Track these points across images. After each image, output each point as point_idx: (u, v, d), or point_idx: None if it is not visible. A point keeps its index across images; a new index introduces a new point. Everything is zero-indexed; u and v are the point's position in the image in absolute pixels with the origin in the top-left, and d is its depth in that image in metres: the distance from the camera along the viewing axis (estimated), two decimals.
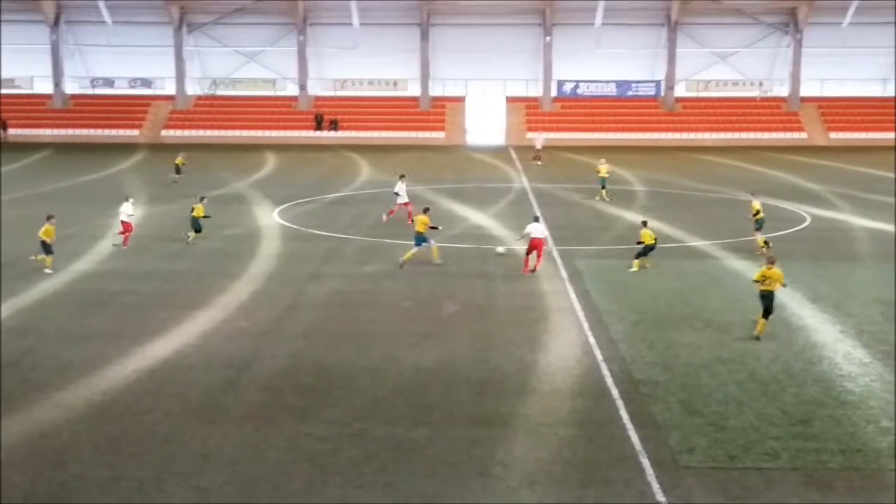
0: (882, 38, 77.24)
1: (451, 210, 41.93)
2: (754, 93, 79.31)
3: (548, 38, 77.46)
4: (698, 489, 14.25)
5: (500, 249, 32.31)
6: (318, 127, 77.66)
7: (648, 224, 30.64)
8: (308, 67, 79.68)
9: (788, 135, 75.08)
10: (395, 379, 19.14)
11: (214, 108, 79.56)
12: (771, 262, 22.50)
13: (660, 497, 13.99)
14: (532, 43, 78.85)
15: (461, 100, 79.91)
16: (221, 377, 19.11)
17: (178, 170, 50.48)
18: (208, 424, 16.68)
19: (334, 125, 77.65)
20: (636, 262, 29.44)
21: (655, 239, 29.64)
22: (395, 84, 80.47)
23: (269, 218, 39.71)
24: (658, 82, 78.85)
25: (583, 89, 79.46)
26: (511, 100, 79.48)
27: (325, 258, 31.54)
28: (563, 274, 28.87)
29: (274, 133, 76.72)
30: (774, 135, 74.86)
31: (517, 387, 18.66)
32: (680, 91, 79.04)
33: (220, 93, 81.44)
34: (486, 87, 79.78)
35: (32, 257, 29.35)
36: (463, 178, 53.70)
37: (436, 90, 79.57)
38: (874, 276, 29.19)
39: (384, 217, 38.22)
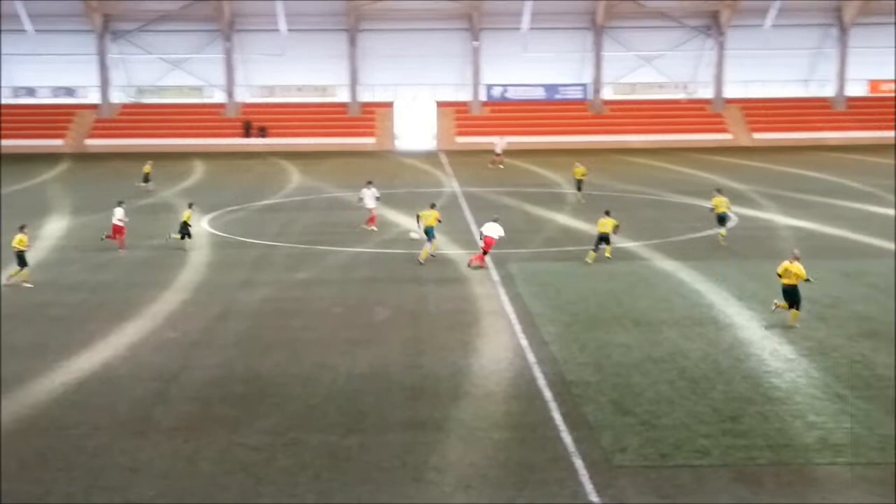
0: (802, 39, 78.88)
1: (381, 216, 41.81)
2: (680, 95, 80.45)
3: (476, 43, 77.77)
4: (631, 488, 14.38)
5: (413, 235, 32.86)
6: (247, 134, 77.03)
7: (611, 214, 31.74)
8: (235, 74, 79.01)
9: (714, 136, 76.25)
10: (328, 386, 19.03)
11: (140, 117, 78.49)
12: (796, 258, 23.46)
13: (593, 497, 14.09)
14: (460, 48, 79.13)
15: (390, 105, 79.87)
16: (151, 389, 18.83)
17: (146, 178, 50.36)
18: (138, 437, 16.42)
19: (263, 132, 77.08)
20: (592, 253, 30.87)
21: (616, 227, 31.11)
22: (324, 90, 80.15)
23: (198, 226, 39.25)
24: (585, 85, 79.61)
25: (512, 93, 79.90)
26: (441, 105, 79.63)
27: (255, 266, 31.28)
28: (496, 277, 28.97)
29: (201, 141, 75.88)
30: (700, 136, 75.97)
31: (450, 391, 18.66)
32: (607, 94, 79.89)
33: (145, 101, 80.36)
34: (415, 93, 79.85)
35: (5, 278, 28.43)
36: (393, 184, 53.64)
37: (365, 96, 79.42)
38: None
39: (366, 225, 37.91)
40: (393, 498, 14.16)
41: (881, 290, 26.97)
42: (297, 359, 20.78)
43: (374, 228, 37.83)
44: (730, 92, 79.09)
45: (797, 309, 23.18)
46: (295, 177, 58.35)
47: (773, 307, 23.56)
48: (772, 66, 79.57)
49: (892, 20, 76.85)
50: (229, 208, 44.31)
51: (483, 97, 79.59)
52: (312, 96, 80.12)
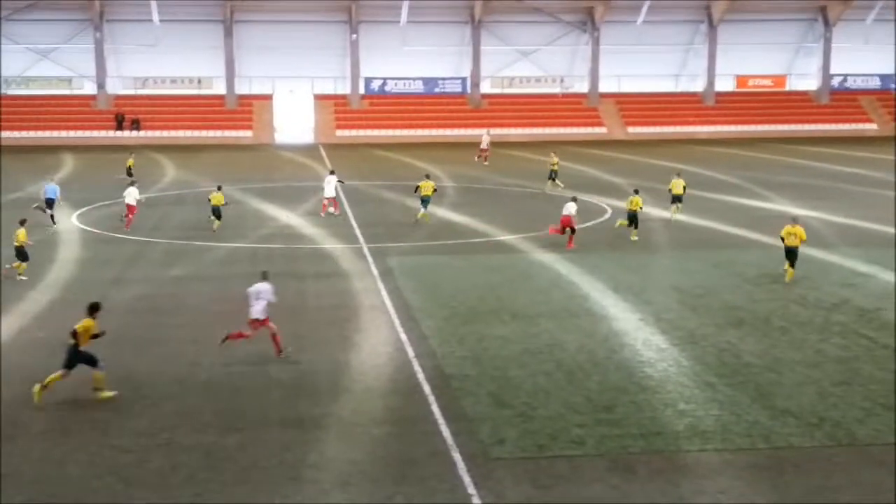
0: (673, 35, 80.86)
1: (260, 210, 41.36)
2: (556, 89, 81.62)
3: (354, 36, 77.43)
4: (508, 480, 14.54)
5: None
6: (119, 127, 75.13)
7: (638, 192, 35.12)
8: (107, 65, 76.92)
9: (589, 129, 77.61)
10: (205, 385, 18.74)
11: (6, 109, 75.67)
12: (795, 221, 27.76)
13: (471, 490, 14.20)
14: (339, 40, 78.67)
15: (268, 98, 78.94)
16: (19, 392, 18.21)
17: (129, 171, 48.92)
18: (6, 442, 15.88)
19: (136, 125, 75.29)
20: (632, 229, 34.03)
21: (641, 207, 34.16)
22: (200, 82, 78.71)
23: (68, 222, 38.14)
24: (464, 79, 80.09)
25: (391, 87, 79.86)
26: (319, 97, 79.08)
27: (128, 262, 30.55)
28: (375, 271, 28.93)
29: (72, 133, 73.72)
30: (576, 129, 77.22)
31: (329, 387, 18.57)
32: (485, 88, 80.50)
33: (11, 92, 77.54)
34: (293, 85, 79.07)
35: (7, 265, 28.28)
36: (272, 178, 53.05)
37: (242, 88, 78.29)
38: (671, 264, 30.57)
39: (323, 213, 39.37)
40: (270, 497, 14.01)
41: (748, 279, 27.88)
42: (173, 357, 20.40)
43: (334, 212, 39.22)
44: (605, 86, 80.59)
45: (793, 267, 27.24)
46: (170, 171, 57.18)
47: None
48: (644, 62, 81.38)
49: (760, 17, 79.44)
50: (101, 203, 43.16)
51: (362, 90, 79.33)
52: (187, 88, 78.60)
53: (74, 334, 17.85)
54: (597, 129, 77.93)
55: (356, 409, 17.43)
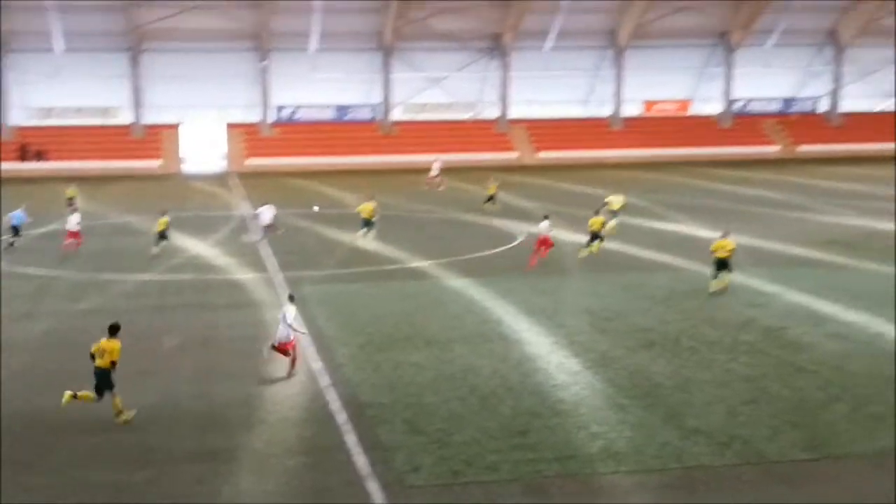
0: (581, 61, 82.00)
1: (169, 241, 40.74)
2: (467, 115, 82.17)
3: (264, 63, 77.03)
4: None
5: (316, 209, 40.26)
6: (23, 158, 73.42)
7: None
8: (9, 96, 75.20)
9: (500, 154, 78.20)
10: (115, 420, 18.35)
11: None
12: (725, 234, 30.07)
13: None
14: (249, 68, 78.10)
15: (176, 127, 77.96)
16: None
17: (70, 201, 48.32)
18: None
19: (40, 156, 73.68)
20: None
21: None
22: (106, 112, 77.35)
23: None
24: (375, 106, 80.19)
25: (302, 114, 79.52)
26: (230, 126, 78.36)
27: (35, 297, 29.84)
28: None
29: None
30: (487, 155, 77.77)
31: (242, 419, 18.37)
32: (397, 114, 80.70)
33: None
34: (203, 114, 78.24)
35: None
36: (182, 207, 52.37)
37: (150, 118, 77.18)
38: (582, 287, 30.93)
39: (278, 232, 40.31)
40: None
41: (658, 301, 28.37)
42: None
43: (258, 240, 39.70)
44: (515, 112, 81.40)
45: (729, 274, 29.43)
46: (76, 202, 55.99)
47: None
48: (553, 87, 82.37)
49: (664, 43, 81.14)
50: (4, 237, 42.09)
51: (273, 118, 78.88)
52: (93, 118, 77.18)
53: (113, 362, 18.18)
54: (508, 154, 78.59)
55: (270, 440, 17.27)
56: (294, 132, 78.22)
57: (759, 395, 19.66)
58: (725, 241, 29.84)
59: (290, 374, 21.00)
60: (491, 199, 50.11)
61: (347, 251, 37.81)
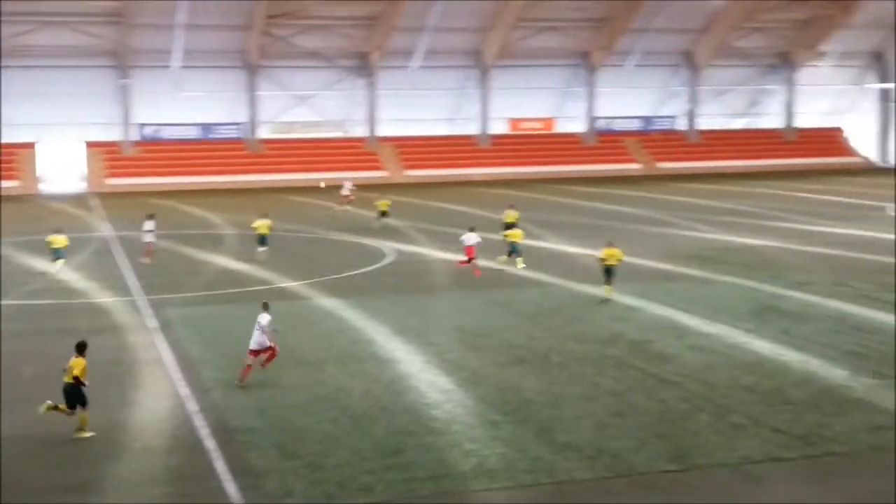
0: (447, 80, 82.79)
1: (25, 264, 39.34)
2: (335, 133, 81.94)
3: (124, 81, 75.26)
4: None
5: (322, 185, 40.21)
6: None
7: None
8: None
9: (369, 173, 78.21)
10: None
11: None
12: (611, 244, 31.59)
13: None
14: (109, 86, 76.20)
15: (33, 146, 75.40)
16: None
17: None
18: None
19: None
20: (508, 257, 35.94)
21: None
22: None
23: None
24: (242, 124, 79.22)
25: (166, 133, 77.96)
26: (90, 145, 76.22)
27: None
28: (152, 324, 28.01)
29: None
30: (357, 173, 77.57)
31: (106, 448, 17.77)
32: (264, 133, 79.90)
33: None
34: (62, 132, 75.84)
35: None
36: (39, 230, 50.53)
37: (5, 136, 74.43)
38: (452, 305, 31.06)
39: (144, 259, 39.11)
40: None
41: (527, 317, 28.71)
42: None
43: (147, 261, 38.90)
44: (383, 130, 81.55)
45: (610, 284, 30.87)
46: None
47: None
48: (421, 106, 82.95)
49: (528, 62, 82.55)
50: None
51: (135, 137, 77.09)
52: None
53: (76, 378, 18.42)
54: (377, 173, 78.65)
55: (136, 470, 16.75)
56: (158, 151, 76.67)
57: (625, 408, 20.05)
58: (613, 250, 31.23)
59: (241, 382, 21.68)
60: (384, 214, 50.53)
61: (214, 272, 37.14)
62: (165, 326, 27.69)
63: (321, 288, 33.61)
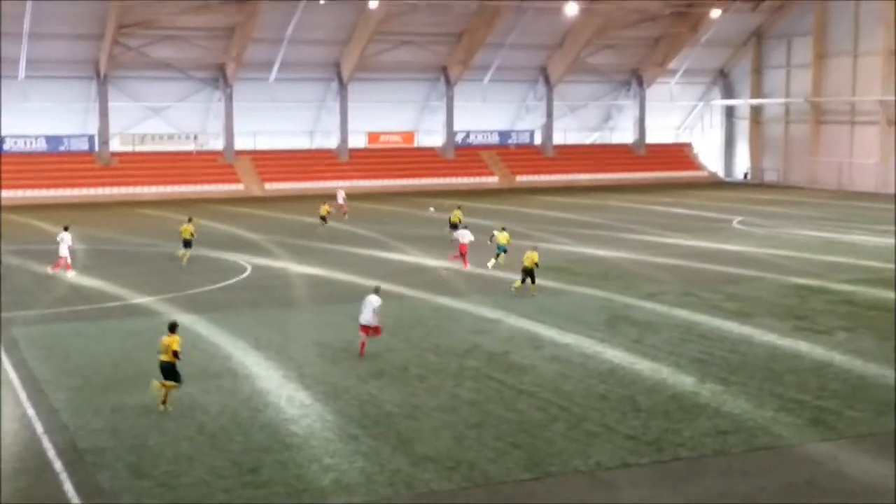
0: (306, 93, 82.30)
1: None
2: (190, 146, 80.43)
3: None
4: None
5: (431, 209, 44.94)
6: None
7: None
8: None
9: (226, 186, 77.05)
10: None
11: None
12: (535, 248, 35.05)
13: None
14: None
15: None
16: None
17: None
18: None
19: None
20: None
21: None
22: None
23: None
24: (92, 136, 76.94)
25: (11, 145, 75.02)
26: None
27: None
28: None
29: None
30: (213, 187, 76.43)
31: None
32: (115, 145, 77.79)
33: None
34: None
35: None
36: None
37: None
38: (312, 319, 30.91)
39: (50, 270, 38.42)
40: None
41: (387, 330, 28.63)
42: None
43: (54, 273, 38.20)
44: (240, 143, 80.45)
45: (533, 283, 33.91)
46: None
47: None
48: (279, 119, 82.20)
49: (387, 76, 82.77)
50: None
51: None
52: None
53: (174, 353, 20.84)
54: (234, 186, 77.53)
55: None
56: (3, 164, 73.69)
57: (484, 418, 20.29)
58: (532, 253, 34.15)
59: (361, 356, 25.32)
60: (323, 219, 53.22)
61: (64, 289, 35.95)
62: (11, 346, 26.65)
63: (177, 303, 32.91)
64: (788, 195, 75.40)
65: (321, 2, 71.52)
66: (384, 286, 36.11)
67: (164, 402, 20.66)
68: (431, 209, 54.72)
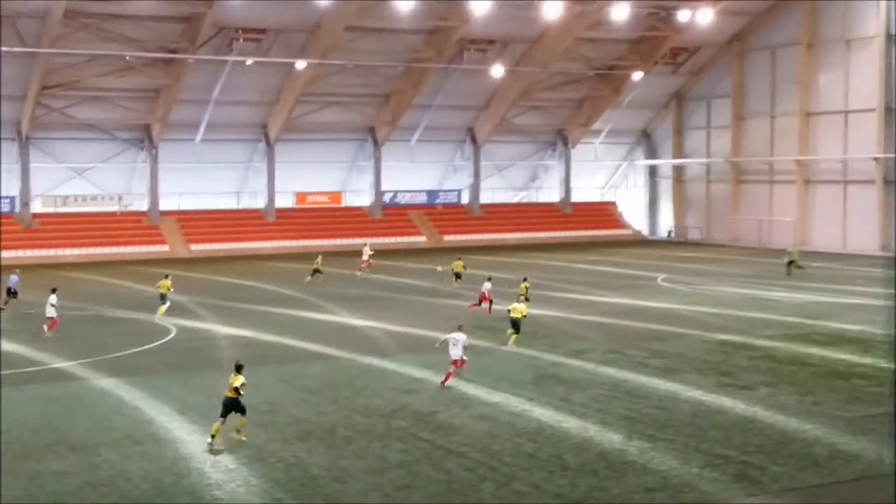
0: (233, 154, 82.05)
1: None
2: (114, 207, 79.45)
3: None
4: None
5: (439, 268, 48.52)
6: None
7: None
8: None
9: (151, 248, 76.15)
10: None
11: None
12: (526, 299, 39.55)
13: None
14: None
15: None
16: None
17: None
18: None
19: None
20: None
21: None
22: None
23: None
24: (13, 198, 75.58)
25: None
26: None
27: None
28: None
29: None
30: (138, 248, 75.48)
31: None
32: (37, 207, 76.53)
33: None
34: None
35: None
36: None
37: None
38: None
39: (44, 328, 38.86)
40: None
41: (313, 391, 28.52)
42: None
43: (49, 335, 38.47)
44: (165, 204, 79.73)
45: (517, 334, 35.50)
46: None
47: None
48: (206, 179, 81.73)
49: (315, 137, 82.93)
50: None
51: None
52: None
53: (236, 390, 22.75)
54: (159, 248, 76.63)
55: None
56: None
57: (412, 480, 20.17)
58: (520, 307, 36.15)
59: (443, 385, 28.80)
60: (316, 272, 55.70)
61: None
62: None
63: (99, 367, 32.30)
64: (711, 252, 76.81)
65: (248, 62, 71.60)
66: (307, 346, 36.03)
67: (239, 433, 22.79)
68: (439, 268, 58.47)
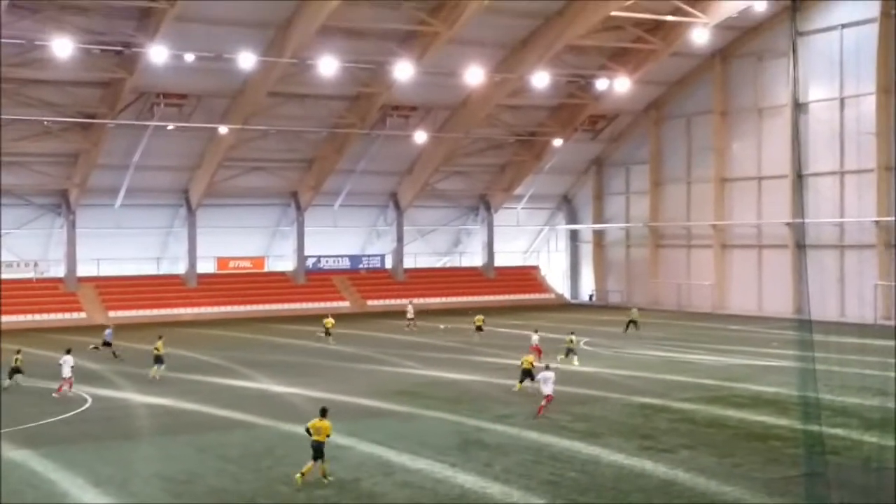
0: (153, 219, 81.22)
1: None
2: (30, 274, 77.81)
3: None
4: None
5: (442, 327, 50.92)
6: None
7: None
8: None
9: (68, 315, 74.65)
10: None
11: None
12: (538, 350, 45.26)
13: None
14: None
15: None
16: None
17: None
18: None
19: None
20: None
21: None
22: None
23: None
24: None
25: None
26: None
27: None
28: None
29: None
30: (54, 315, 73.96)
31: None
32: None
33: None
34: None
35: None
36: None
37: None
38: (154, 452, 29.85)
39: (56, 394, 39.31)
40: None
41: (232, 460, 28.02)
42: None
43: (57, 395, 39.36)
44: (84, 270, 78.36)
45: (522, 383, 38.65)
46: None
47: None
48: (125, 245, 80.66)
49: (237, 202, 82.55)
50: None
51: None
52: None
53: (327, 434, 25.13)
54: (76, 315, 75.16)
55: None
56: None
57: None
58: (529, 357, 39.60)
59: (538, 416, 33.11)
60: (328, 332, 58.30)
61: None
62: None
63: (10, 439, 31.32)
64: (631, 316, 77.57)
65: (169, 127, 71.15)
66: (227, 414, 35.47)
67: (324, 476, 25.02)
68: (442, 326, 63.88)
